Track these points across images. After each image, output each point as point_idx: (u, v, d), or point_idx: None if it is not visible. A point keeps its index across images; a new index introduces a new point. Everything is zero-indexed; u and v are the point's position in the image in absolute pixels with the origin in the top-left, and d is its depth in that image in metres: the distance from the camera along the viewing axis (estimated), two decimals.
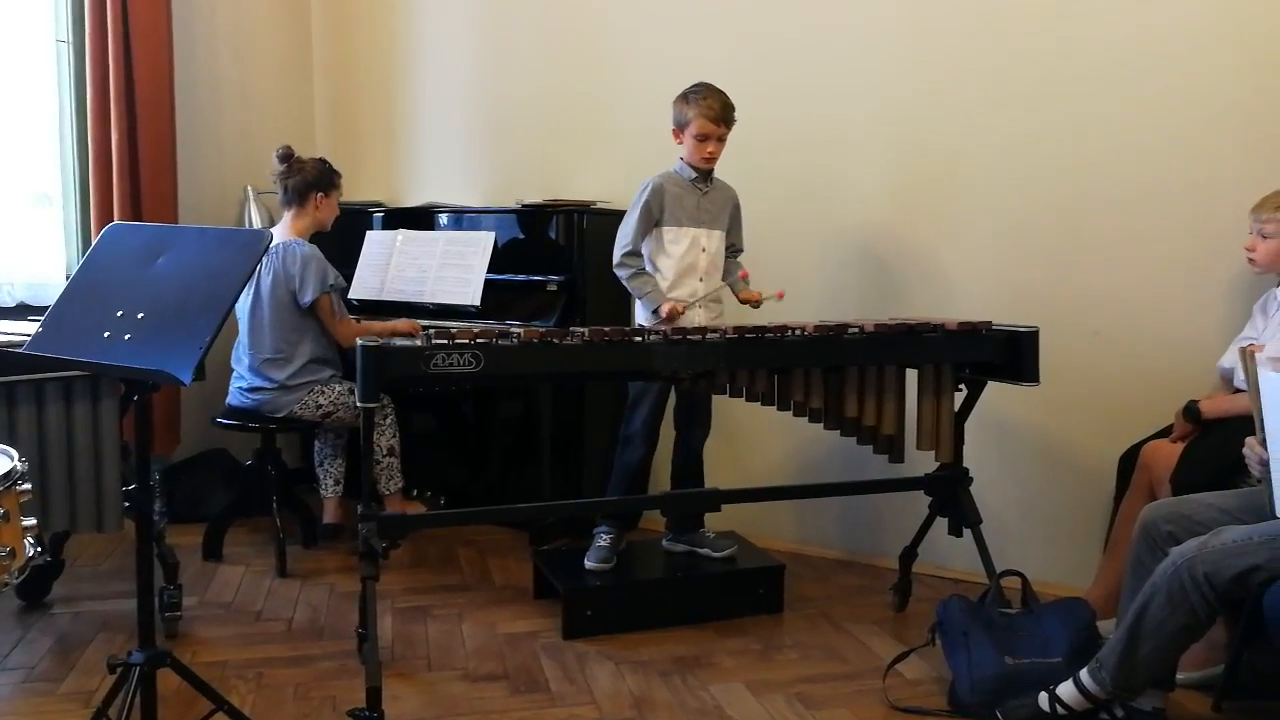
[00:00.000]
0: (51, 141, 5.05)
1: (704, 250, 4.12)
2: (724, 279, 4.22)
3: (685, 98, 4.06)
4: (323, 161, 4.77)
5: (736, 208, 4.27)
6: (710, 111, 4.00)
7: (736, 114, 4.05)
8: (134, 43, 4.98)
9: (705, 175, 4.14)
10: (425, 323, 4.60)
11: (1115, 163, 4.11)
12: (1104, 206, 4.14)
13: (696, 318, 4.06)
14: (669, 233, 4.09)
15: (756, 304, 4.12)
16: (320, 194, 4.69)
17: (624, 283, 4.09)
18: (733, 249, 4.28)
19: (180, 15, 5.30)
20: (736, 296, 4.20)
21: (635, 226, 4.07)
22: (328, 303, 4.58)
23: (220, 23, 5.66)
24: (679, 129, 4.09)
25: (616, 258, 4.10)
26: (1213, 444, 3.44)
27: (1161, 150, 4.04)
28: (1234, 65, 3.90)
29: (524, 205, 5.15)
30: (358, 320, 4.82)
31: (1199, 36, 3.95)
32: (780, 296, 4.02)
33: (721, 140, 4.07)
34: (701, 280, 4.12)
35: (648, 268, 4.12)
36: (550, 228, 5.03)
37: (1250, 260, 3.64)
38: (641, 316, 4.12)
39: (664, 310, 3.96)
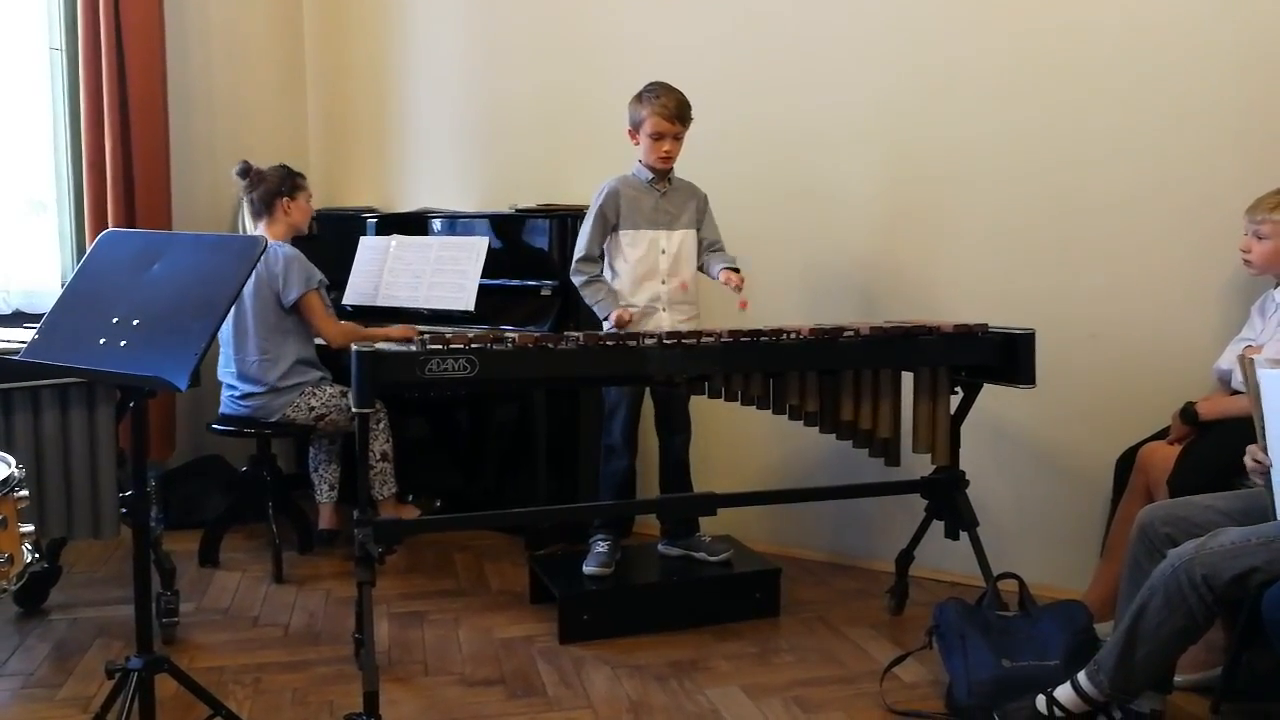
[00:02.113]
0: (46, 148, 5.05)
1: (664, 252, 4.10)
2: (710, 274, 4.15)
3: (639, 97, 4.05)
4: (282, 167, 4.77)
5: (704, 204, 4.23)
6: (665, 110, 3.98)
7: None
8: (127, 50, 4.99)
9: (663, 175, 4.12)
10: (420, 328, 4.60)
11: (1111, 164, 4.12)
12: (1100, 208, 4.14)
13: (663, 321, 4.06)
14: (626, 236, 4.08)
15: (737, 288, 3.99)
16: (285, 199, 4.69)
17: (578, 289, 4.10)
18: (707, 243, 4.22)
19: (173, 22, 5.30)
20: (717, 279, 4.07)
21: (590, 232, 4.08)
22: (317, 301, 4.58)
23: (213, 29, 5.66)
24: (634, 129, 4.08)
25: (573, 264, 4.10)
26: (1210, 446, 3.44)
27: (1158, 152, 4.04)
28: (1231, 67, 3.91)
29: (518, 210, 5.16)
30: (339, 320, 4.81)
31: (1196, 38, 3.95)
32: (743, 306, 3.94)
33: (678, 139, 4.05)
34: (663, 283, 4.10)
35: (607, 272, 4.12)
36: (544, 233, 5.03)
37: (1246, 262, 3.64)
38: (606, 326, 4.10)
39: (613, 318, 3.95)
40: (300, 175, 4.80)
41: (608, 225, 4.08)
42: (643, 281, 4.09)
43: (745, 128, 4.71)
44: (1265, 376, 2.77)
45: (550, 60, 5.34)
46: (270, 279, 4.53)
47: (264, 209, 4.69)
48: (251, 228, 5.35)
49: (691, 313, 4.18)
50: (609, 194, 4.08)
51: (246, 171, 4.69)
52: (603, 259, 4.15)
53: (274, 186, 4.68)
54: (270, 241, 4.59)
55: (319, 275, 4.62)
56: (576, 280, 4.10)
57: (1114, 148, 4.11)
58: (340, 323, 4.69)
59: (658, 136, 4.01)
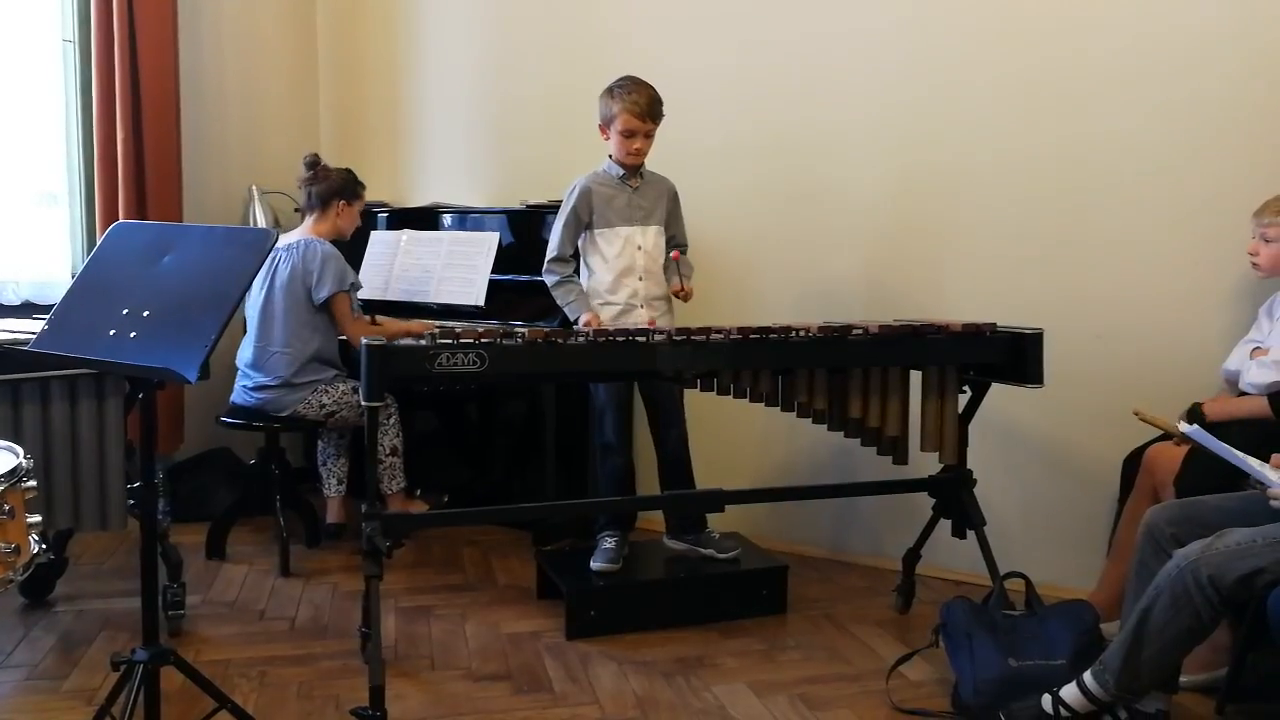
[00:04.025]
0: (58, 141, 5.06)
1: (640, 248, 4.09)
2: (667, 276, 4.17)
3: (610, 92, 4.01)
4: (349, 172, 4.81)
5: (674, 199, 4.22)
6: (636, 107, 3.95)
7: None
8: (139, 43, 5.00)
9: (634, 170, 4.11)
10: (429, 323, 4.61)
11: (1118, 166, 4.11)
12: (1107, 209, 4.14)
13: (641, 318, 4.05)
14: (602, 235, 4.07)
15: (684, 295, 4.06)
16: (343, 202, 4.73)
17: (550, 290, 4.09)
18: (673, 241, 4.22)
19: (185, 15, 5.32)
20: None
21: (562, 232, 4.06)
22: (346, 302, 4.59)
23: (225, 22, 5.67)
24: (605, 125, 4.05)
25: (545, 264, 4.09)
26: None
27: (1164, 154, 4.04)
28: (1237, 69, 3.90)
29: (528, 205, 5.16)
30: (372, 320, 4.83)
31: (1202, 41, 3.95)
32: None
33: (649, 136, 4.02)
34: (641, 280, 4.08)
35: (583, 271, 4.11)
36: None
37: (1254, 265, 3.64)
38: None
39: (583, 321, 3.94)
40: (362, 185, 4.85)
41: (581, 224, 4.08)
42: (622, 279, 4.08)
43: (755, 134, 4.69)
44: (1190, 431, 2.91)
45: (561, 58, 5.34)
46: (305, 274, 4.54)
47: (319, 205, 4.71)
48: (264, 218, 5.37)
49: (666, 309, 4.18)
50: (581, 193, 4.06)
51: (315, 164, 4.74)
52: (576, 259, 4.15)
53: (336, 186, 4.72)
54: (311, 237, 4.63)
55: (353, 276, 4.64)
56: (548, 280, 4.09)
57: (1121, 149, 4.10)
58: (364, 324, 4.70)
59: (629, 134, 3.98)
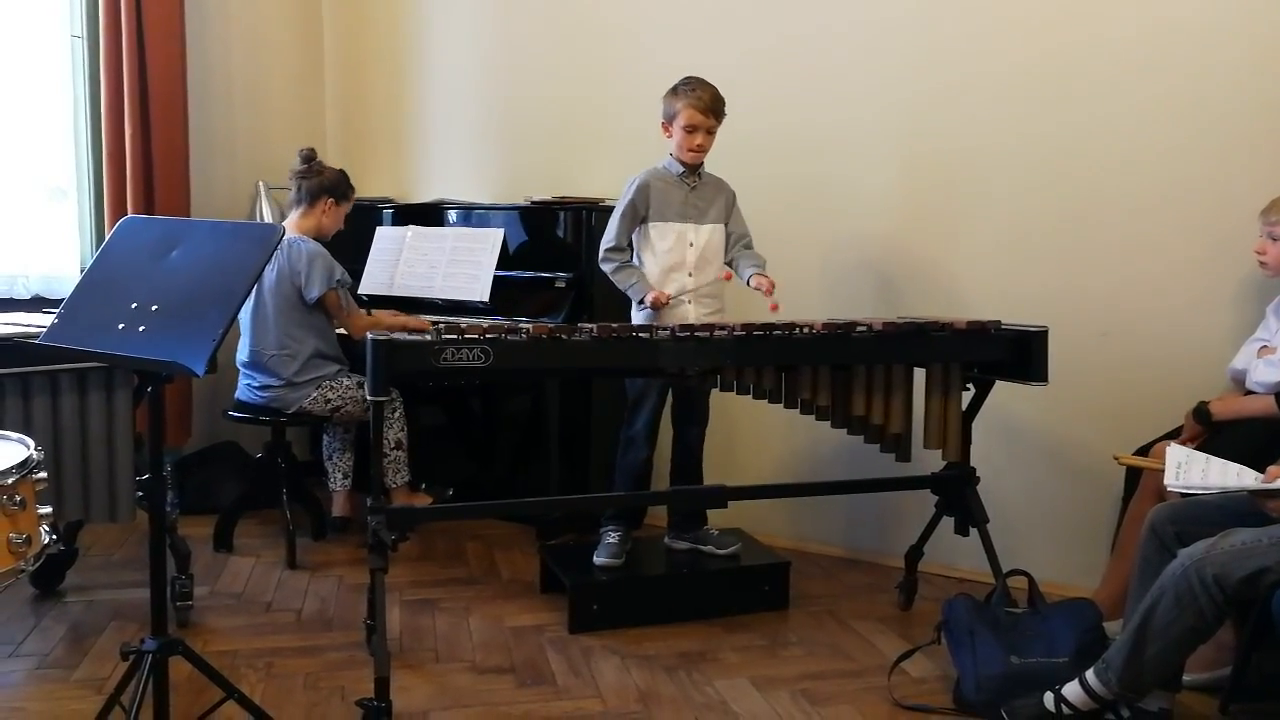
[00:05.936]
0: (66, 136, 5.08)
1: (691, 245, 4.09)
2: (740, 276, 4.16)
3: (674, 90, 4.05)
4: (343, 172, 4.81)
5: (732, 200, 4.23)
6: (699, 102, 3.98)
7: (727, 109, 4.02)
8: (148, 39, 5.02)
9: (693, 169, 4.12)
10: (434, 319, 4.61)
11: (1125, 164, 4.11)
12: (1113, 208, 4.14)
13: (689, 313, 4.06)
14: (655, 229, 4.08)
15: (768, 292, 4.01)
16: (331, 200, 4.71)
17: (609, 276, 4.10)
18: (735, 237, 4.22)
19: (193, 11, 5.34)
20: (748, 284, 4.10)
21: (619, 224, 4.08)
22: (335, 298, 4.59)
23: (233, 19, 5.69)
24: (668, 122, 4.08)
25: (601, 253, 4.10)
26: (1223, 446, 3.43)
27: (1171, 152, 4.03)
28: (1244, 66, 3.90)
29: (532, 202, 5.16)
30: (369, 313, 4.84)
31: (1209, 38, 3.94)
32: (775, 309, 3.92)
33: (710, 133, 4.04)
34: (690, 275, 4.09)
35: (634, 263, 4.13)
36: (558, 224, 5.04)
37: (1261, 264, 3.64)
38: (636, 315, 4.11)
39: (649, 300, 3.95)
40: (353, 189, 4.85)
41: (638, 217, 4.08)
42: (670, 274, 4.09)
43: (761, 133, 4.68)
44: (1174, 486, 2.94)
45: (566, 55, 5.35)
46: (293, 274, 4.54)
47: (307, 199, 4.70)
48: (270, 214, 5.37)
49: (716, 306, 4.17)
50: (640, 186, 4.08)
51: (311, 158, 4.73)
52: (630, 250, 4.16)
53: (328, 184, 4.71)
54: (294, 235, 4.60)
55: (339, 272, 4.61)
56: (606, 267, 4.09)
57: (1128, 147, 4.10)
58: (361, 316, 4.72)
59: (691, 129, 4.00)
